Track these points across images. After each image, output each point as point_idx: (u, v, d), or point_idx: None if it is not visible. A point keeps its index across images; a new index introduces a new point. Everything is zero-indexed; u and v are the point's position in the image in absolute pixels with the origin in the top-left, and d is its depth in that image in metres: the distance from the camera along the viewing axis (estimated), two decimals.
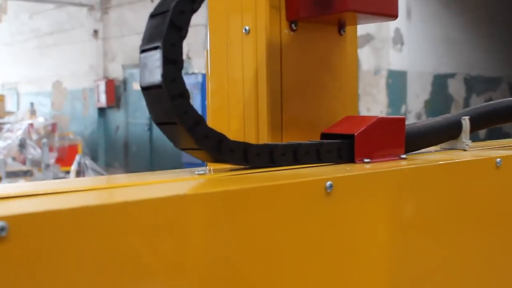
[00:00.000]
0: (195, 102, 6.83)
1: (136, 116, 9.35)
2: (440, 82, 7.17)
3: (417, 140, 1.03)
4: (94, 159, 9.18)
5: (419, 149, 1.05)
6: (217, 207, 0.62)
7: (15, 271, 0.48)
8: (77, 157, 7.19)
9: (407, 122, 0.99)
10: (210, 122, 1.04)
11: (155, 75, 0.71)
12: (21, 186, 0.66)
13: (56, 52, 10.83)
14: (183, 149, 0.79)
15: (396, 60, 6.64)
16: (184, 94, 0.72)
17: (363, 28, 6.26)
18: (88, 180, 0.74)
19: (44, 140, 7.62)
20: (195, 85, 7.04)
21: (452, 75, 7.21)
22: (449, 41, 7.08)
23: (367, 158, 0.90)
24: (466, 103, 7.35)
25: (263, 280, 0.66)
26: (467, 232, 0.94)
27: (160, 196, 0.58)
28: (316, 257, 0.72)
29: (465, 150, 1.09)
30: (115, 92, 9.76)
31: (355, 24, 1.06)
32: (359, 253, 0.77)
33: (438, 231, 0.89)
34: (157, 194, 0.60)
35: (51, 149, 8.05)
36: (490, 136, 6.92)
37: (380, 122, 0.92)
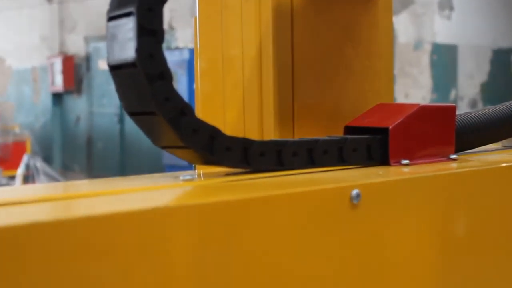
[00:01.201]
0: (180, 85, 6.83)
1: (103, 104, 9.38)
2: (501, 59, 7.16)
3: (472, 135, 1.02)
4: (47, 160, 9.20)
5: (474, 147, 1.05)
6: (208, 223, 0.62)
7: None
8: (25, 158, 7.21)
9: (458, 112, 0.99)
10: (200, 112, 1.05)
11: (128, 50, 0.71)
12: None
13: None
14: (164, 147, 0.79)
15: (443, 30, 6.63)
16: (165, 75, 0.72)
17: None
18: (39, 188, 0.74)
19: None
20: (180, 63, 7.05)
21: None
22: None
23: (405, 159, 0.90)
24: None
25: None
26: None
27: (134, 209, 0.58)
28: None
29: None
30: (75, 72, 9.78)
31: None
32: (393, 284, 0.77)
33: (499, 251, 0.89)
34: (129, 206, 0.60)
35: None
36: None
37: (423, 112, 0.92)
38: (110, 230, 0.56)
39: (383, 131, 0.90)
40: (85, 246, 0.55)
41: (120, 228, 0.56)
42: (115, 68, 0.74)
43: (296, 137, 0.98)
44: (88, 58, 9.66)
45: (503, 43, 7.08)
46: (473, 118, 1.03)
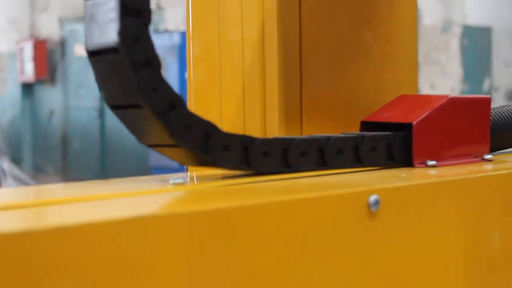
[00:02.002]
0: (170, 74, 6.84)
1: (80, 96, 9.39)
2: None
3: (509, 132, 1.02)
4: (16, 160, 9.20)
5: None
6: (202, 234, 0.62)
7: None
8: None
9: (493, 105, 0.98)
10: (193, 105, 1.05)
11: (109, 33, 0.71)
12: None
13: None
14: (151, 146, 0.79)
15: (475, 10, 6.63)
16: (152, 62, 0.72)
17: None
18: (6, 194, 0.74)
19: None
20: (170, 48, 7.05)
21: None
22: None
23: (431, 160, 0.90)
24: None
25: None
26: None
27: (116, 218, 0.58)
28: None
29: None
30: (48, 59, 9.79)
31: None
32: None
33: None
34: (111, 215, 0.60)
35: None
36: None
37: (452, 105, 0.92)
38: (88, 243, 0.56)
39: (406, 127, 0.90)
40: (59, 261, 0.55)
41: (100, 240, 0.56)
42: (94, 54, 0.74)
43: (305, 134, 0.98)
44: (63, 43, 9.67)
45: None
46: (510, 112, 1.03)
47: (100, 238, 0.56)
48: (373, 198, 0.73)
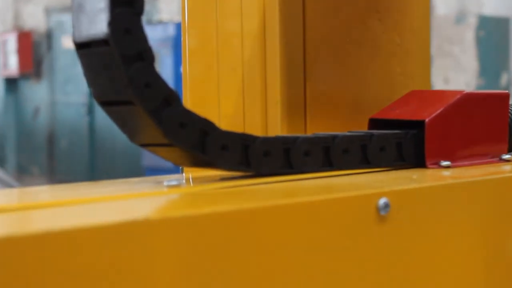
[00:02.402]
0: (164, 68, 6.85)
1: (68, 91, 9.39)
2: None
3: None
4: None
5: None
6: (199, 240, 0.62)
7: None
8: None
9: (511, 101, 0.98)
10: (189, 101, 1.04)
11: (98, 24, 0.71)
12: None
13: None
14: (143, 145, 0.79)
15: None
16: (145, 55, 0.72)
17: None
18: None
19: None
20: (164, 41, 7.06)
21: None
22: None
23: (445, 160, 0.90)
24: None
25: None
26: None
27: (107, 223, 0.58)
28: None
29: None
30: (34, 52, 9.79)
31: None
32: None
33: None
34: (101, 219, 0.60)
35: None
36: None
37: (467, 101, 0.92)
38: (76, 250, 0.56)
39: (418, 125, 0.90)
40: (44, 269, 0.54)
41: (89, 247, 0.56)
42: (82, 47, 0.74)
43: (309, 133, 0.98)
44: (49, 35, 9.67)
45: None
46: None
47: (89, 244, 0.56)
48: (382, 201, 0.73)
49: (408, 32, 1.07)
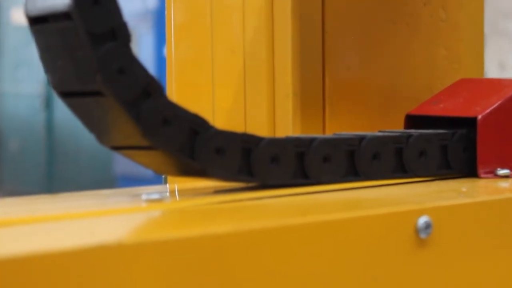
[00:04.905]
0: (143, 49, 6.87)
1: (19, 79, 9.42)
2: None
3: None
4: None
5: None
6: (185, 269, 0.62)
7: None
8: None
9: None
10: (175, 92, 1.05)
11: None
12: None
13: None
14: (116, 148, 0.79)
15: None
16: (118, 32, 0.72)
17: None
18: None
19: None
20: (143, 14, 7.08)
21: None
22: None
23: (502, 168, 0.91)
24: None
25: None
26: None
27: (68, 247, 0.58)
28: None
29: None
30: None
31: None
32: None
33: None
34: (61, 243, 0.60)
35: None
36: None
37: None
38: (29, 280, 0.56)
39: (468, 123, 0.90)
40: None
41: (45, 277, 0.56)
42: (38, 22, 0.74)
43: (328, 133, 0.98)
44: None
45: None
46: None
47: (45, 274, 0.56)
48: (423, 220, 0.73)
49: (455, 4, 1.07)
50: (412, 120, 0.95)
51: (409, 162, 0.88)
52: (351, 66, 1.02)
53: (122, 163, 6.76)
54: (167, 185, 0.94)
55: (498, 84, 0.95)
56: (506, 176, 0.89)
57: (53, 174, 9.07)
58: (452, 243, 0.75)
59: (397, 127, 0.95)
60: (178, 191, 0.85)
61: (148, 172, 0.83)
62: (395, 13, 1.04)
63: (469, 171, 0.90)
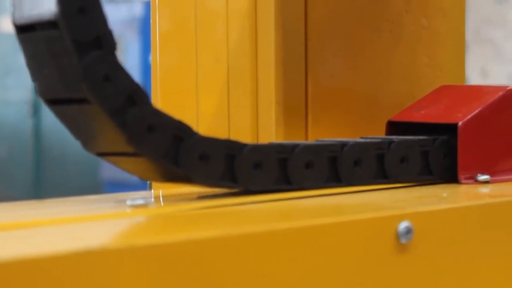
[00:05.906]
0: (130, 56, 6.85)
1: (7, 86, 9.38)
2: None
3: None
4: None
5: None
6: (169, 274, 0.62)
7: None
8: None
9: None
10: (160, 99, 1.05)
11: (45, 1, 0.71)
12: None
13: None
14: (101, 155, 0.79)
15: None
16: (104, 40, 0.72)
17: None
18: None
19: None
20: (129, 22, 7.07)
21: None
22: None
23: (483, 174, 0.91)
24: None
25: None
26: None
27: (54, 252, 0.58)
28: None
29: None
30: None
31: None
32: None
33: None
34: (47, 247, 0.59)
35: None
36: None
37: (511, 100, 0.92)
38: (15, 285, 0.55)
39: (449, 130, 0.90)
40: None
41: (32, 281, 0.56)
42: (25, 30, 0.74)
43: (311, 139, 0.98)
44: None
45: None
46: None
47: (30, 279, 0.56)
48: (403, 225, 0.73)
49: (438, 12, 1.07)
50: (394, 127, 0.94)
51: (391, 168, 0.88)
52: (334, 73, 1.01)
53: (109, 169, 6.74)
54: (152, 190, 0.94)
55: (479, 90, 0.95)
56: (486, 182, 0.89)
57: (41, 180, 9.03)
58: (433, 248, 0.75)
59: (379, 134, 0.95)
60: (162, 196, 0.85)
61: (134, 178, 0.83)
62: (377, 21, 1.04)
63: (450, 177, 0.90)
